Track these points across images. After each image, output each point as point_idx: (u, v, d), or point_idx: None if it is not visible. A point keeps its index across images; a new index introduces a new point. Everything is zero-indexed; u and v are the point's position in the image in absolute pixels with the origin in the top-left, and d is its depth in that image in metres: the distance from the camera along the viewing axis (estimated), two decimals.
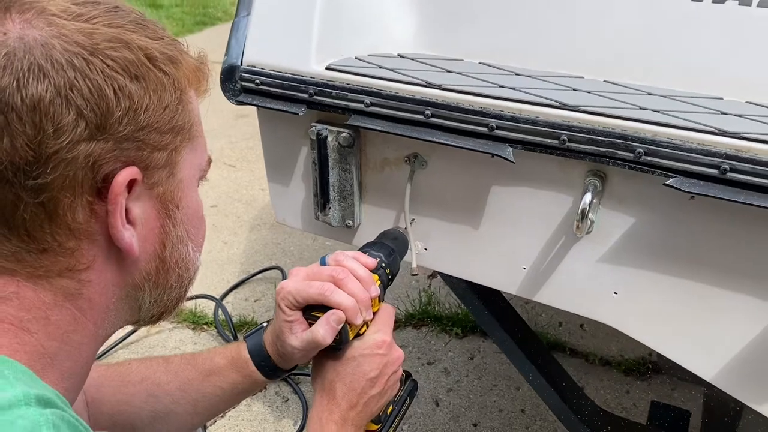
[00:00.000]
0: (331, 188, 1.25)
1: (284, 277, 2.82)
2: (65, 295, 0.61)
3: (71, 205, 0.57)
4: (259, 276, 2.85)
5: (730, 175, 0.89)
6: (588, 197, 0.99)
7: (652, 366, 2.28)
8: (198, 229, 0.72)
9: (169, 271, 0.69)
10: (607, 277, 1.08)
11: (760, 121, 0.96)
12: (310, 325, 0.87)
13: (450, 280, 1.42)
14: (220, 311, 2.58)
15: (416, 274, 1.22)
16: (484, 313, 1.47)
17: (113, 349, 2.36)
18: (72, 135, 0.55)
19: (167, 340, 2.48)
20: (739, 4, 1.07)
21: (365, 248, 1.01)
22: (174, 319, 2.56)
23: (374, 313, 0.92)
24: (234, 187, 3.60)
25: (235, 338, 2.45)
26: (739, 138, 0.90)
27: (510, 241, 1.16)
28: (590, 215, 1.00)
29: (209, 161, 0.73)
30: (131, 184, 0.60)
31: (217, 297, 2.66)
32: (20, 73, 0.53)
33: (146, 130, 0.60)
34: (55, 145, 0.54)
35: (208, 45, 0.83)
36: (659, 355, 1.11)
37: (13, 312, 0.58)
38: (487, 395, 2.21)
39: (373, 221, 1.29)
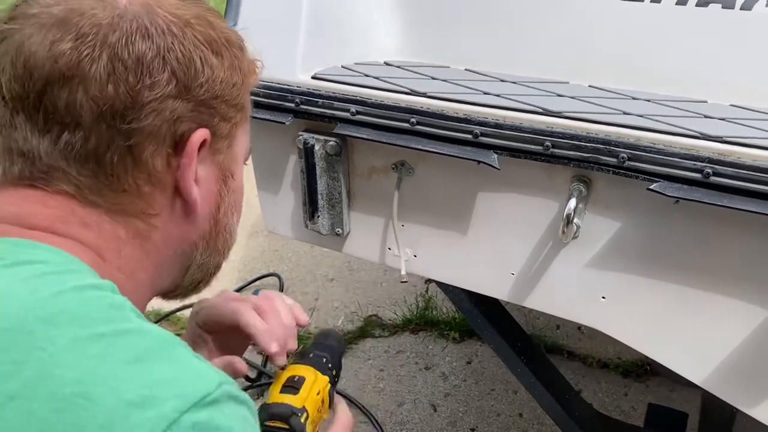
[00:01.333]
0: (319, 196, 1.25)
1: (282, 284, 2.83)
2: (136, 235, 0.67)
3: (153, 153, 0.64)
4: (257, 283, 2.85)
5: (714, 179, 0.90)
6: (573, 202, 0.99)
7: (650, 368, 2.28)
8: (240, 204, 0.79)
9: (219, 234, 0.75)
10: (595, 282, 1.08)
11: (743, 125, 0.96)
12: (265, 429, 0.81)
13: (444, 286, 1.42)
14: None
15: (405, 281, 1.22)
16: (479, 318, 1.46)
17: None
18: (164, 90, 0.62)
19: None
20: (723, 8, 1.07)
21: (308, 351, 0.91)
22: (174, 327, 2.56)
23: (326, 418, 0.87)
24: None
25: None
26: (721, 142, 0.90)
27: (497, 246, 1.16)
28: (576, 220, 1.00)
29: (250, 150, 0.80)
30: (201, 146, 0.66)
31: None
32: (129, 32, 0.61)
33: (219, 99, 0.67)
34: (150, 96, 0.62)
35: None
36: None
37: (93, 238, 0.64)
38: (485, 399, 2.21)
39: (362, 228, 1.29)
